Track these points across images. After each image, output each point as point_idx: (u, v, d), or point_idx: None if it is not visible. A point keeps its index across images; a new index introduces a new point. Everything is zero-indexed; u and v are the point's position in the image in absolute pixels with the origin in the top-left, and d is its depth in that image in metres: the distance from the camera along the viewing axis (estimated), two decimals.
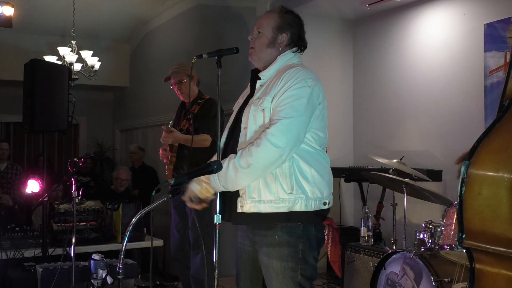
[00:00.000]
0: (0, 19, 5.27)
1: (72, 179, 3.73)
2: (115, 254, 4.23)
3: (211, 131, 3.80)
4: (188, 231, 3.95)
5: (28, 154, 9.10)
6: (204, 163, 2.26)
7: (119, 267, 2.15)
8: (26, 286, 3.91)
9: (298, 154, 2.32)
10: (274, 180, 2.29)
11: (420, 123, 4.99)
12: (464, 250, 2.91)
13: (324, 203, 2.36)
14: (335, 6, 5.30)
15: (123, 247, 2.05)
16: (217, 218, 2.29)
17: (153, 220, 2.50)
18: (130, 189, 6.43)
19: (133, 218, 2.06)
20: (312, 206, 2.32)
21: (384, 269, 3.60)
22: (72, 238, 3.71)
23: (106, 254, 3.87)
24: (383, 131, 5.40)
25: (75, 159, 3.82)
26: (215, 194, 2.35)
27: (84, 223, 4.53)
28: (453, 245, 3.08)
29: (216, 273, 2.29)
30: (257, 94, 2.41)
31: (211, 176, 2.29)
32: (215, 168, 2.25)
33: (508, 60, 4.20)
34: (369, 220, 4.30)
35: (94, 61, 6.49)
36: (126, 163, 7.78)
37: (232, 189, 2.31)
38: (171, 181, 2.14)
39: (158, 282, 5.22)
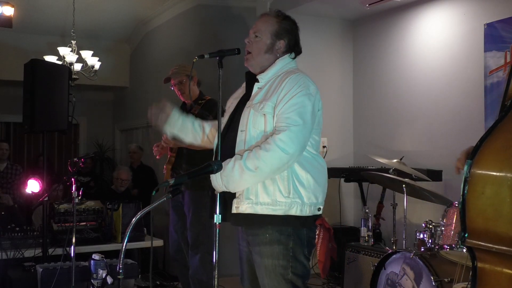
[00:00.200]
0: (0, 19, 5.27)
1: (72, 179, 3.73)
2: (115, 254, 4.22)
3: None
4: (186, 231, 3.95)
5: (28, 154, 9.10)
6: (202, 163, 2.26)
7: (119, 267, 2.15)
8: (26, 286, 3.90)
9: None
10: (272, 183, 2.32)
11: (420, 123, 4.99)
12: (465, 250, 2.94)
13: (318, 209, 2.42)
14: (335, 6, 5.30)
15: (123, 247, 2.05)
16: (217, 218, 2.29)
17: (153, 220, 2.50)
18: (130, 189, 6.43)
19: (133, 218, 2.06)
20: (307, 212, 2.36)
21: (384, 269, 3.60)
22: (72, 238, 3.70)
23: (106, 254, 3.86)
24: (383, 131, 5.40)
25: (75, 159, 3.82)
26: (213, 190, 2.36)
27: (84, 223, 4.52)
28: (453, 245, 3.08)
29: (216, 273, 2.30)
30: (256, 98, 2.41)
31: (213, 175, 2.30)
32: (215, 168, 2.25)
33: (508, 60, 4.20)
34: (369, 220, 4.30)
35: (94, 61, 6.49)
36: (125, 163, 7.78)
37: (233, 189, 2.33)
38: (171, 181, 2.15)
39: (158, 282, 5.22)
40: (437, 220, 3.34)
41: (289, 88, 2.34)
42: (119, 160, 8.97)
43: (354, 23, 5.79)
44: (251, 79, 2.52)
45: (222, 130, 2.46)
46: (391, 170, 4.03)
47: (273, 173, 2.29)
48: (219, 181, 2.30)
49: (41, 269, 3.79)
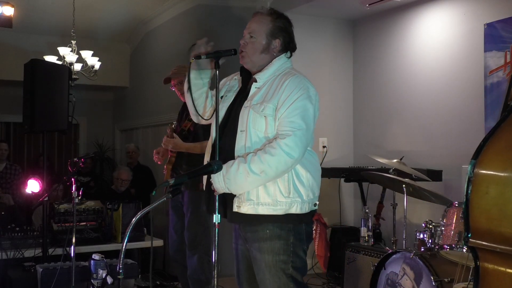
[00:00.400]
0: (0, 19, 5.26)
1: (72, 179, 3.73)
2: (115, 254, 4.23)
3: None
4: (185, 231, 3.95)
5: (28, 154, 9.10)
6: (202, 163, 2.27)
7: (119, 267, 2.15)
8: (26, 286, 3.91)
9: None
10: (273, 184, 2.34)
11: (420, 123, 4.99)
12: (465, 250, 2.94)
13: (315, 204, 2.46)
14: (335, 6, 5.30)
15: (123, 247, 2.06)
16: (216, 218, 2.30)
17: (153, 220, 2.51)
18: (128, 188, 6.43)
19: (133, 218, 2.06)
20: (306, 209, 2.40)
21: (384, 269, 3.60)
22: (72, 238, 3.71)
23: (106, 254, 3.87)
24: (383, 131, 5.40)
25: (75, 159, 3.82)
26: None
27: (84, 223, 4.53)
28: (453, 245, 3.08)
29: (215, 273, 2.30)
30: (255, 98, 2.41)
31: (216, 177, 2.31)
32: (215, 168, 2.26)
33: (508, 60, 4.20)
34: (369, 220, 4.30)
35: (94, 61, 6.48)
36: (123, 163, 7.78)
37: (235, 191, 2.34)
38: (171, 181, 2.15)
39: (158, 282, 5.22)
40: (437, 220, 3.34)
41: (290, 91, 2.35)
42: (119, 160, 8.96)
43: (354, 23, 5.79)
44: (247, 75, 2.53)
45: (219, 124, 2.45)
46: (391, 170, 4.03)
47: (277, 176, 2.32)
48: (221, 184, 2.31)
49: (41, 269, 3.79)
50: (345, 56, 5.79)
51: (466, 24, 4.58)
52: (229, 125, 2.46)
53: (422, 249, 3.40)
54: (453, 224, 3.12)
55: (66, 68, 4.83)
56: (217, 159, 2.34)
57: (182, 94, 4.00)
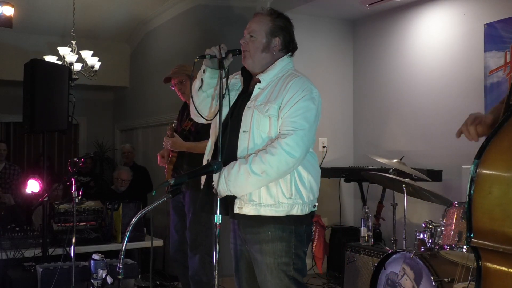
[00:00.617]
0: (0, 19, 5.26)
1: (72, 179, 3.73)
2: (115, 254, 4.22)
3: None
4: (187, 232, 3.95)
5: (28, 154, 9.09)
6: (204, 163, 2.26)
7: (119, 267, 2.15)
8: (26, 286, 3.90)
9: None
10: (275, 185, 2.34)
11: (420, 123, 5.00)
12: (465, 250, 2.94)
13: (314, 206, 2.46)
14: (335, 6, 5.30)
15: (123, 247, 2.06)
16: (217, 218, 2.29)
17: (153, 220, 2.51)
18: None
19: (133, 218, 2.06)
20: (306, 210, 2.41)
21: (384, 269, 3.60)
22: (72, 238, 3.71)
23: (106, 254, 3.86)
24: (383, 131, 5.40)
25: (75, 159, 3.82)
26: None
27: (84, 223, 4.53)
28: (453, 245, 3.08)
29: (216, 273, 2.30)
30: (259, 99, 2.41)
31: (218, 179, 2.30)
32: (215, 168, 2.26)
33: (508, 60, 4.20)
34: (369, 220, 4.30)
35: (94, 61, 6.48)
36: (119, 163, 7.78)
37: (237, 193, 2.34)
38: (171, 181, 2.15)
39: (158, 282, 5.22)
40: (437, 220, 3.34)
41: (293, 92, 2.35)
42: (119, 160, 8.95)
43: (354, 23, 5.79)
44: (248, 75, 2.53)
45: (222, 123, 2.45)
46: (391, 170, 4.03)
47: (279, 176, 2.31)
48: (223, 186, 2.30)
49: (41, 269, 3.79)
50: (345, 56, 5.79)
51: (466, 24, 4.58)
52: (231, 125, 2.45)
53: (422, 249, 3.40)
54: (453, 224, 3.12)
55: (66, 68, 4.83)
56: (220, 159, 2.34)
57: (182, 93, 4.00)
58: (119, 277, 2.17)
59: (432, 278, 3.20)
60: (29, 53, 7.08)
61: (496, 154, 1.59)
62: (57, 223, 4.43)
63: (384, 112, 5.40)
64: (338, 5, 5.28)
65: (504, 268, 1.57)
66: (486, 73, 4.36)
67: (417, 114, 5.03)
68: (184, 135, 3.94)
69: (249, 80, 2.53)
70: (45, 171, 4.46)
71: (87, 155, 6.18)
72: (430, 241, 3.33)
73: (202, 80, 2.51)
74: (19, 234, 4.27)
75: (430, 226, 3.33)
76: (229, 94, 2.52)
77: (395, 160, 4.08)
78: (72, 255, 3.68)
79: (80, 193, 3.81)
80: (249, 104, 2.43)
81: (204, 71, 2.50)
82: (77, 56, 6.33)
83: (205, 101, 2.56)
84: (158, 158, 4.04)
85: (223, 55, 2.42)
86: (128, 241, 2.07)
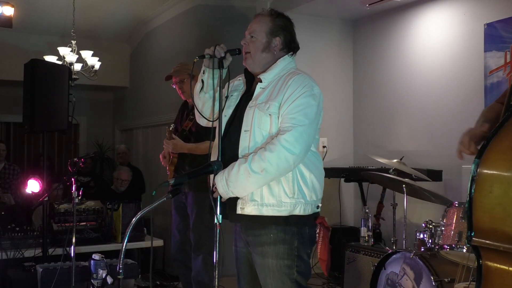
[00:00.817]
0: (0, 19, 5.26)
1: (72, 179, 3.73)
2: (115, 254, 4.22)
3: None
4: (188, 232, 3.94)
5: (28, 154, 9.09)
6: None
7: (119, 267, 2.15)
8: (26, 286, 3.90)
9: None
10: (277, 184, 2.32)
11: (420, 123, 5.00)
12: (465, 250, 2.94)
13: (317, 206, 2.44)
14: (335, 6, 5.30)
15: (123, 247, 2.06)
16: (217, 218, 2.29)
17: (153, 220, 2.51)
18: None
19: (133, 218, 2.06)
20: (309, 210, 2.38)
21: (384, 269, 3.60)
22: (72, 238, 3.71)
23: (106, 254, 3.86)
24: (383, 131, 5.40)
25: (75, 159, 3.82)
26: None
27: (84, 223, 4.53)
28: (453, 245, 3.08)
29: (216, 273, 2.29)
30: (260, 98, 2.41)
31: (219, 182, 2.29)
32: (215, 168, 2.25)
33: (508, 60, 4.20)
34: (369, 220, 4.30)
35: (94, 61, 6.48)
36: (115, 164, 7.78)
37: (240, 194, 2.32)
38: (171, 181, 2.14)
39: (158, 282, 5.22)
40: (437, 220, 3.34)
41: (293, 88, 2.34)
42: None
43: (354, 23, 5.79)
44: (251, 77, 2.53)
45: (224, 125, 2.45)
46: (391, 170, 4.03)
47: (279, 174, 2.28)
48: (225, 188, 2.28)
49: (41, 269, 3.79)
50: (345, 56, 5.79)
51: (466, 24, 4.58)
52: (234, 126, 2.45)
53: (422, 249, 3.40)
54: (453, 224, 3.12)
55: (66, 68, 4.83)
56: (220, 159, 2.33)
57: (183, 92, 4.00)
58: (119, 277, 2.17)
59: (432, 278, 3.20)
60: (29, 53, 7.08)
61: (496, 154, 1.59)
62: (57, 223, 4.43)
63: (384, 112, 5.40)
64: (338, 5, 5.28)
65: (504, 267, 1.57)
66: (486, 73, 4.36)
67: (417, 114, 5.03)
68: (184, 135, 3.93)
69: (252, 81, 2.53)
70: (45, 171, 4.45)
71: (87, 155, 6.18)
72: (430, 241, 3.33)
73: (202, 81, 2.51)
74: (19, 234, 4.27)
75: (430, 226, 3.33)
76: (231, 95, 2.52)
77: (395, 160, 4.08)
78: (72, 255, 3.68)
79: (80, 193, 3.81)
80: (250, 103, 2.42)
81: (203, 72, 2.50)
82: (77, 56, 6.33)
83: (207, 103, 2.55)
84: (161, 158, 4.04)
85: (222, 55, 2.42)
86: (128, 241, 2.07)
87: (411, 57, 5.11)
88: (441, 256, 3.28)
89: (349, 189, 5.64)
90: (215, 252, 2.29)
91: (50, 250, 4.22)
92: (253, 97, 2.44)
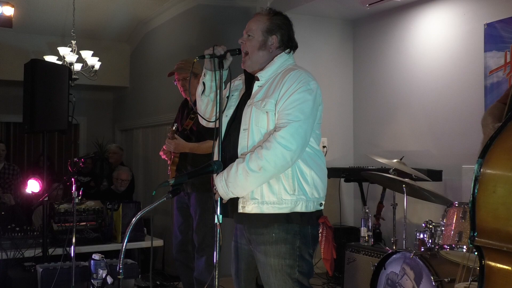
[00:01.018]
0: (0, 19, 5.26)
1: (72, 179, 3.73)
2: (115, 254, 4.23)
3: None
4: (190, 233, 3.94)
5: (28, 154, 9.09)
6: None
7: (119, 267, 2.15)
8: (26, 286, 3.90)
9: None
10: (277, 181, 2.32)
11: (420, 123, 5.00)
12: (464, 249, 2.94)
13: (320, 204, 2.43)
14: (335, 6, 5.30)
15: (123, 247, 2.06)
16: (217, 218, 2.29)
17: (153, 220, 2.51)
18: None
19: (133, 218, 2.06)
20: (311, 207, 2.37)
21: (384, 269, 3.60)
22: (72, 238, 3.71)
23: (106, 254, 3.86)
24: (383, 131, 5.40)
25: (75, 159, 3.82)
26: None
27: (84, 223, 4.52)
28: (453, 245, 3.08)
29: (216, 273, 2.29)
30: (257, 96, 2.41)
31: (219, 183, 2.29)
32: (215, 168, 2.25)
33: (508, 60, 4.20)
34: (369, 220, 4.30)
35: (94, 61, 6.48)
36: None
37: (240, 194, 2.32)
38: (171, 181, 2.14)
39: (158, 282, 5.22)
40: (437, 220, 3.34)
41: (289, 84, 2.34)
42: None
43: (354, 23, 5.79)
44: (250, 77, 2.53)
45: (225, 125, 2.45)
46: (391, 170, 4.03)
47: (278, 171, 2.27)
48: (225, 188, 2.28)
49: (41, 269, 3.79)
50: (345, 56, 5.79)
51: (466, 24, 4.58)
52: (233, 125, 2.45)
53: (422, 249, 3.40)
54: (453, 224, 3.12)
55: (66, 68, 4.83)
56: (219, 159, 2.33)
57: (185, 90, 3.98)
58: (119, 277, 2.17)
59: (432, 278, 3.20)
60: (29, 53, 7.08)
61: (500, 153, 1.59)
62: (57, 223, 4.43)
63: (384, 112, 5.40)
64: (338, 5, 5.28)
65: (507, 267, 1.57)
66: (486, 73, 4.36)
67: (417, 114, 5.03)
68: (185, 134, 3.92)
69: (251, 80, 2.53)
70: (45, 171, 4.45)
71: (87, 155, 6.18)
72: (430, 241, 3.33)
73: (203, 84, 2.51)
74: (19, 234, 4.27)
75: (430, 226, 3.33)
76: (232, 95, 2.52)
77: (395, 160, 4.08)
78: (72, 255, 3.68)
79: (80, 193, 3.81)
80: (248, 102, 2.43)
81: (204, 75, 2.50)
82: (77, 56, 6.33)
83: (209, 105, 2.56)
84: (161, 154, 4.03)
85: (222, 53, 2.42)
86: (128, 241, 2.07)
87: (411, 57, 5.11)
88: (441, 256, 3.28)
89: (349, 189, 5.64)
90: (215, 252, 2.29)
91: (50, 250, 4.22)
92: (251, 95, 2.45)
